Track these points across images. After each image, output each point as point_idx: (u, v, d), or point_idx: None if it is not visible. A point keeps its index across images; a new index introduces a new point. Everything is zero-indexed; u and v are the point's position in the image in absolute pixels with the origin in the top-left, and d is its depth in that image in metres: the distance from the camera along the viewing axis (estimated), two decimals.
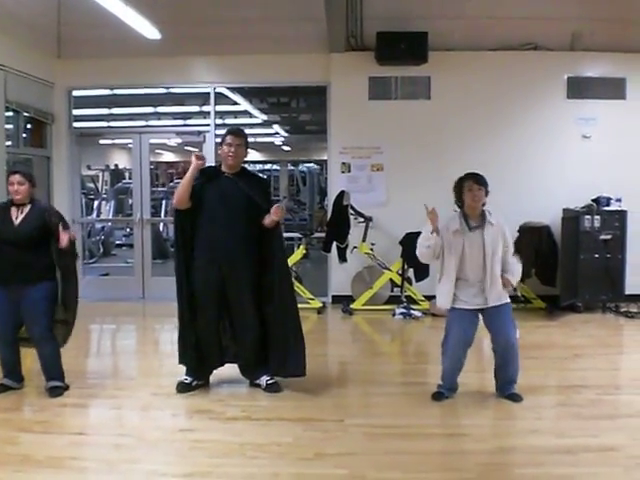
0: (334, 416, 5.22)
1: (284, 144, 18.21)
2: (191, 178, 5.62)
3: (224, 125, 10.13)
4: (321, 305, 9.35)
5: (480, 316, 5.55)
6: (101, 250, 14.65)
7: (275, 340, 5.77)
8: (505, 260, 5.52)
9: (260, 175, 6.21)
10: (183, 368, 5.88)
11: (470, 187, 5.43)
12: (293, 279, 9.19)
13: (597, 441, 4.73)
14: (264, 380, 5.81)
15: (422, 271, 9.06)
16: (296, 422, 5.09)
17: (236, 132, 5.79)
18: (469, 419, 5.26)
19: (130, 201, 12.97)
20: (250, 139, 5.98)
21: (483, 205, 5.50)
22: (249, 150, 5.96)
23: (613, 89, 9.82)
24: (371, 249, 9.31)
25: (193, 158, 5.62)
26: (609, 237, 9.14)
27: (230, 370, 5.98)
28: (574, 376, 6.37)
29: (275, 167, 20.10)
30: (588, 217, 9.14)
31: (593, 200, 9.27)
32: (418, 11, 9.34)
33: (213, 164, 7.26)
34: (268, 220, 5.67)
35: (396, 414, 5.31)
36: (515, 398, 5.55)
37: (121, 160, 17.20)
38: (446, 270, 5.52)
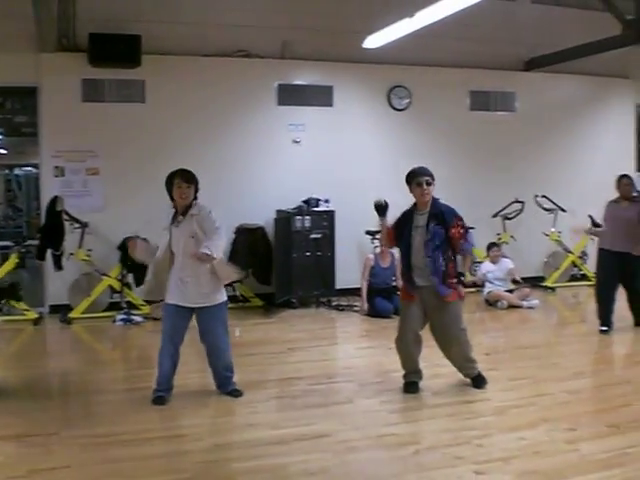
0: (50, 429, 5.04)
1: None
2: None
3: None
4: (37, 316, 8.92)
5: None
6: None
7: None
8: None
9: None
10: None
11: (179, 184, 5.56)
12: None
13: (309, 429, 5.03)
14: None
15: (142, 276, 9.05)
16: (8, 440, 4.84)
17: None
18: (188, 419, 5.35)
19: None
20: None
21: (194, 200, 5.64)
22: None
23: (321, 96, 10.40)
24: (88, 255, 9.08)
25: None
26: (319, 236, 9.71)
27: None
28: (289, 369, 6.70)
29: None
30: (299, 217, 9.64)
31: (304, 201, 9.79)
32: (132, 14, 9.26)
33: None
34: None
35: (116, 421, 5.25)
36: (235, 394, 5.75)
37: None
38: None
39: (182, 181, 5.57)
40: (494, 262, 9.95)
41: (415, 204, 5.92)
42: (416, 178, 5.80)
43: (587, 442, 4.74)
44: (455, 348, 5.94)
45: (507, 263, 10.03)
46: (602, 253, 8.11)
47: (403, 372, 5.98)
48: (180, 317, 5.64)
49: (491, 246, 10.14)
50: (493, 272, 9.88)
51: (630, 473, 4.24)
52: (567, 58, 10.65)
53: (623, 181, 8.10)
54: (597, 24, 9.81)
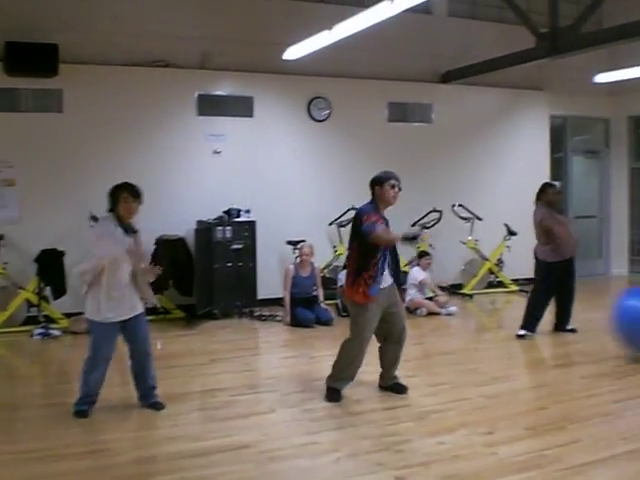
0: None
1: None
2: None
3: None
4: None
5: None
6: None
7: None
8: None
9: None
10: None
11: (126, 199, 5.47)
12: None
13: (231, 440, 5.03)
14: None
15: (60, 289, 8.91)
16: None
17: None
18: (110, 433, 5.27)
19: None
20: None
21: None
22: None
23: (242, 107, 10.42)
24: (4, 269, 8.86)
25: None
26: (240, 246, 9.70)
27: None
28: (211, 380, 6.68)
29: None
30: (220, 228, 9.61)
31: (225, 212, 9.78)
32: (50, 23, 9.12)
33: None
34: None
35: (36, 437, 5.14)
36: (157, 406, 5.71)
37: None
38: (99, 276, 5.49)
39: (130, 196, 5.49)
40: (425, 270, 10.10)
41: (375, 204, 5.89)
42: (391, 180, 5.86)
43: (505, 445, 4.87)
44: (402, 343, 6.09)
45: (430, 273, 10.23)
46: (554, 265, 8.07)
47: (335, 378, 5.99)
48: (113, 332, 5.57)
49: (423, 254, 10.29)
50: (425, 279, 10.03)
51: (547, 475, 4.37)
52: (483, 71, 10.94)
53: (551, 190, 8.22)
54: (512, 37, 10.17)
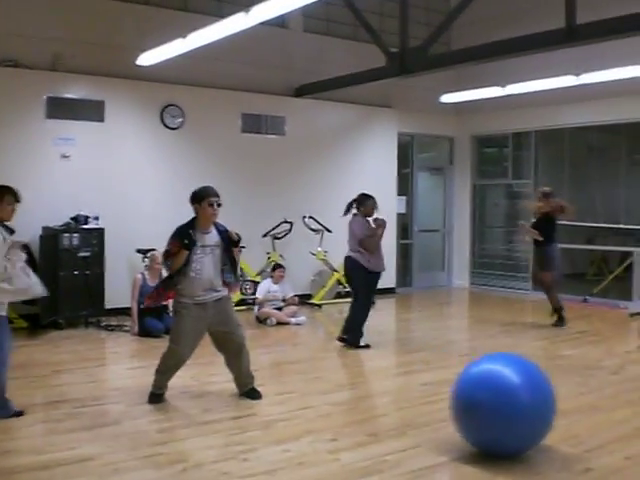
0: None
1: None
2: None
3: None
4: None
5: None
6: None
7: None
8: None
9: None
10: None
11: (10, 201, 5.59)
12: None
13: (74, 453, 4.91)
14: None
15: None
16: None
17: None
18: None
19: None
20: None
21: None
22: None
23: (93, 111, 10.17)
24: None
25: None
26: (88, 254, 9.43)
27: None
28: (53, 392, 6.49)
29: None
30: (67, 235, 9.32)
31: (72, 218, 9.51)
32: None
33: None
34: None
35: None
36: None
37: None
38: None
39: (14, 199, 5.64)
40: (277, 282, 10.18)
41: (193, 222, 5.98)
42: (209, 198, 5.93)
43: (348, 451, 5.01)
44: (242, 357, 6.15)
45: (288, 286, 10.34)
46: (375, 275, 8.39)
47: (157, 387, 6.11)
48: None
49: (277, 267, 10.36)
50: (275, 292, 10.11)
51: (388, 479, 4.54)
52: (335, 86, 11.18)
53: (371, 202, 8.39)
54: (364, 55, 10.50)
